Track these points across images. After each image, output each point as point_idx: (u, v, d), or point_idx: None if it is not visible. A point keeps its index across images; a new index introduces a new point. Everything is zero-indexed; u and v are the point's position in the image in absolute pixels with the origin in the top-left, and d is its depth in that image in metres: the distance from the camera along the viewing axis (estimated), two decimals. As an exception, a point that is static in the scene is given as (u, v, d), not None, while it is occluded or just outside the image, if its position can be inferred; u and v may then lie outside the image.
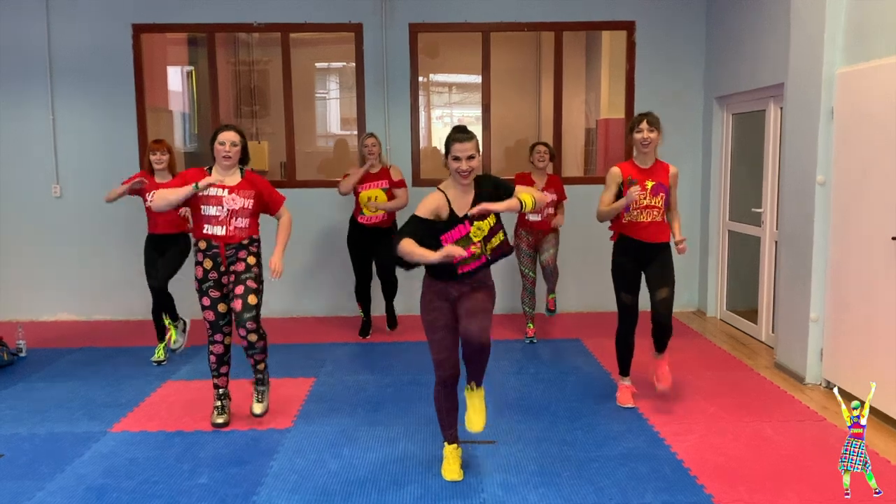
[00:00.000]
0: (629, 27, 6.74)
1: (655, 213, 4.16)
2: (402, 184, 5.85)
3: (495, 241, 3.39)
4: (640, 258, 4.24)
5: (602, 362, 5.27)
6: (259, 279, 4.06)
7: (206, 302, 4.04)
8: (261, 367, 4.22)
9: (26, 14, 6.51)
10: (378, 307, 6.28)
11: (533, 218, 5.67)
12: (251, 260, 4.05)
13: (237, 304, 3.98)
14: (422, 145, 7.08)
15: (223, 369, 4.21)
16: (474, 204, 3.33)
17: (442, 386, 3.43)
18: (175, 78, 8.15)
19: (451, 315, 3.39)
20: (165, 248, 5.33)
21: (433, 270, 3.37)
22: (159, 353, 5.38)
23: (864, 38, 4.37)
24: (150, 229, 5.38)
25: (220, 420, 4.16)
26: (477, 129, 6.97)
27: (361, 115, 6.77)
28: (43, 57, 6.55)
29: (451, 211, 3.31)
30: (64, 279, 6.76)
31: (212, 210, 3.96)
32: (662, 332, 4.28)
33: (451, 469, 3.49)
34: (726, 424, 4.10)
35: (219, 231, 3.97)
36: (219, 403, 4.22)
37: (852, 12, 4.46)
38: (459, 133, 3.30)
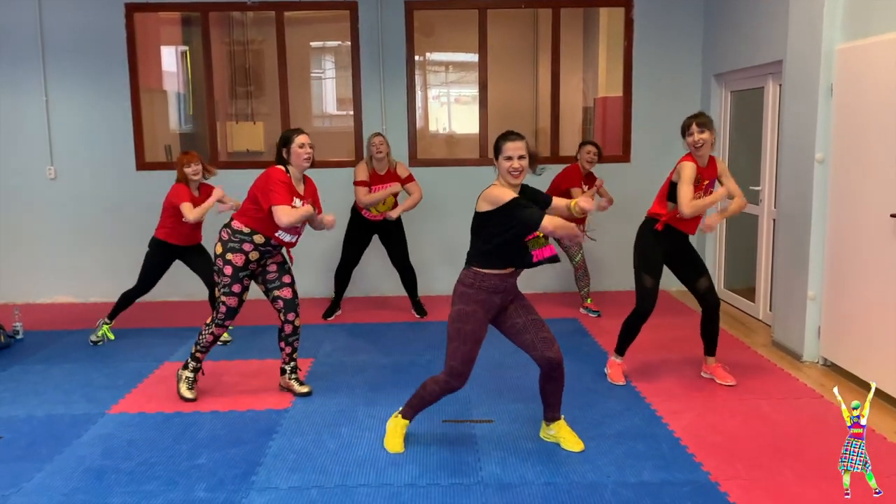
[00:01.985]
0: (627, 4, 6.68)
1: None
2: (411, 178, 5.84)
3: (543, 240, 3.36)
4: (670, 248, 4.30)
5: (599, 341, 5.28)
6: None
7: (237, 289, 4.11)
8: (295, 354, 4.35)
9: (17, -7, 6.43)
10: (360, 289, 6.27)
11: None
12: (286, 252, 4.25)
13: (287, 293, 4.20)
14: (418, 125, 7.05)
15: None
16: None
17: (444, 393, 3.47)
18: (169, 58, 8.07)
19: (485, 328, 3.43)
20: (189, 256, 5.26)
21: (502, 259, 3.34)
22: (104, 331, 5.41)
23: (863, 15, 4.33)
24: (173, 240, 5.16)
25: (190, 395, 4.22)
26: (474, 108, 6.93)
27: (357, 94, 6.72)
28: (35, 38, 6.48)
29: None
30: (60, 261, 6.74)
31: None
32: (714, 322, 4.36)
33: (398, 443, 3.56)
34: (724, 402, 4.11)
35: (289, 239, 4.13)
36: (191, 376, 4.27)
37: (852, -13, 4.41)
38: (511, 134, 3.36)
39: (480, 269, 3.36)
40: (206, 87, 6.79)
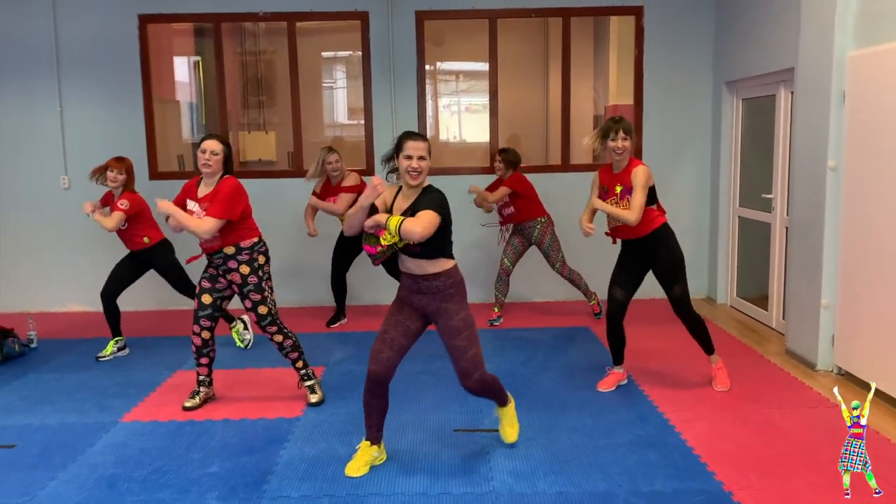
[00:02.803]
0: (637, 12, 6.68)
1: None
2: (351, 189, 5.85)
3: (386, 239, 3.22)
4: (640, 255, 4.28)
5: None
6: (260, 288, 4.12)
7: (197, 288, 4.20)
8: (299, 364, 4.34)
9: (33, 6, 6.50)
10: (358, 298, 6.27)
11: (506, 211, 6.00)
12: (244, 269, 4.09)
13: (252, 316, 4.20)
14: (429, 134, 7.06)
15: (202, 360, 4.28)
16: (409, 209, 3.28)
17: (367, 388, 3.42)
18: (182, 68, 8.14)
19: (410, 318, 3.43)
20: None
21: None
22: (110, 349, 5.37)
23: (875, 22, 4.31)
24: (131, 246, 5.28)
25: (188, 403, 4.24)
26: (484, 117, 6.94)
27: (368, 104, 6.75)
28: (50, 49, 6.55)
29: (390, 209, 3.36)
30: (74, 270, 6.78)
31: None
32: (694, 329, 4.35)
33: (355, 466, 3.45)
34: (736, 411, 4.08)
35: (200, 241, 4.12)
36: (196, 388, 4.30)
37: (864, -6, 4.40)
38: (412, 133, 3.37)
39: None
40: (218, 97, 6.84)
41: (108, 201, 5.23)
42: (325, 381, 4.71)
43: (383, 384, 3.41)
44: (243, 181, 6.41)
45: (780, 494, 3.16)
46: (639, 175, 4.08)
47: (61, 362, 5.23)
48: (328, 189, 5.94)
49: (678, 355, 5.05)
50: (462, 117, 9.34)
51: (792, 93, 5.33)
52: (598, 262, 6.15)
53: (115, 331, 5.33)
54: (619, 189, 4.17)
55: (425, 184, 3.37)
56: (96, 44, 6.57)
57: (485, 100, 6.95)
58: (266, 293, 4.14)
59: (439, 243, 3.31)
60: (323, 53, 8.89)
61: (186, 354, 5.30)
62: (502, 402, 3.66)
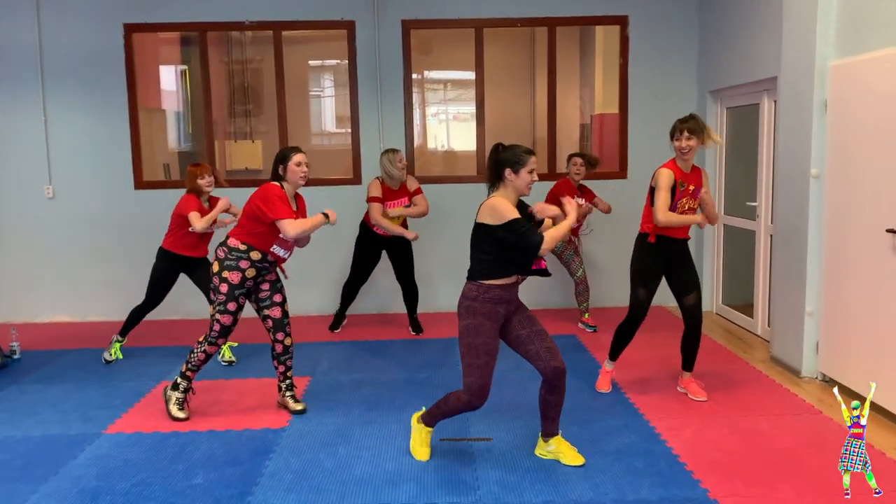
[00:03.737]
0: (622, 22, 6.73)
1: (691, 214, 4.31)
2: (419, 191, 5.88)
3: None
4: (668, 258, 4.31)
5: (597, 357, 5.26)
6: (216, 289, 4.12)
7: (233, 307, 4.09)
8: (290, 373, 4.35)
9: (17, 14, 6.47)
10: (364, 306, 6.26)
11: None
12: (215, 266, 4.13)
13: (277, 312, 4.21)
14: (416, 143, 7.07)
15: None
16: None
17: (466, 409, 3.48)
18: (168, 77, 8.12)
19: (496, 339, 3.46)
20: (193, 270, 5.25)
21: (503, 269, 3.38)
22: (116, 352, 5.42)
23: (856, 31, 4.36)
24: (179, 250, 5.13)
25: (182, 415, 4.21)
26: (472, 125, 6.96)
27: (355, 112, 6.75)
28: (34, 57, 6.52)
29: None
30: (58, 281, 6.73)
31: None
32: (695, 338, 4.38)
33: (425, 451, 3.64)
34: (722, 419, 4.10)
35: (284, 254, 4.15)
36: (182, 397, 4.25)
37: (844, 5, 4.44)
38: (530, 149, 3.42)
39: (484, 282, 3.37)
40: (204, 106, 6.82)
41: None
42: (312, 391, 4.69)
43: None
44: (230, 190, 6.45)
45: (765, 501, 3.17)
46: (708, 176, 4.36)
47: (45, 373, 5.18)
48: (391, 193, 5.79)
49: (664, 364, 5.06)
50: (449, 126, 9.37)
51: (775, 102, 5.38)
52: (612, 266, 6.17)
53: (126, 333, 5.42)
54: (692, 188, 4.23)
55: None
56: (81, 53, 6.54)
57: (472, 108, 6.97)
58: (218, 302, 4.07)
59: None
60: (310, 62, 8.90)
61: (171, 365, 5.26)
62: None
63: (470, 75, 6.94)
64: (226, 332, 4.13)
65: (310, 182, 6.73)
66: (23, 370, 5.26)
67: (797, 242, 4.82)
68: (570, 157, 6.02)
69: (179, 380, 4.23)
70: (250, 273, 4.08)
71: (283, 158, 4.09)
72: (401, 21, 6.63)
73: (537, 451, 3.67)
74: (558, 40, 6.77)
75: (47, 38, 6.52)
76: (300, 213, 4.19)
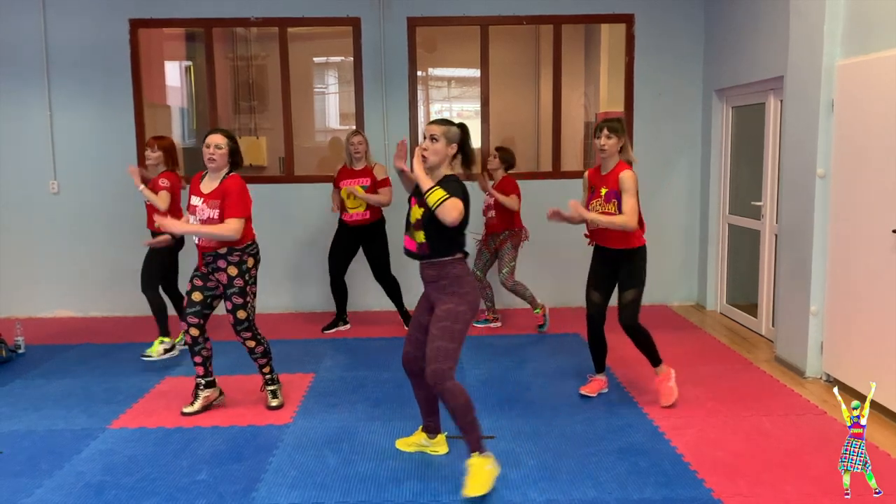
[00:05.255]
0: (628, 20, 6.72)
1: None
2: (386, 182, 5.84)
3: (420, 236, 3.33)
4: (611, 262, 4.27)
5: (602, 356, 5.26)
6: (243, 292, 4.10)
7: (189, 286, 4.16)
8: (266, 370, 4.32)
9: (23, 9, 6.47)
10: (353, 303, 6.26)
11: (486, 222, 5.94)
12: (232, 271, 4.06)
13: (230, 319, 4.14)
14: (420, 140, 7.04)
15: (195, 359, 4.24)
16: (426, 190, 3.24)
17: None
18: (173, 73, 8.12)
19: (424, 311, 3.46)
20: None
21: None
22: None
23: (863, 31, 4.34)
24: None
25: (187, 409, 4.22)
26: (476, 123, 6.95)
27: (359, 109, 6.74)
28: (40, 53, 6.52)
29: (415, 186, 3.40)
30: (62, 276, 6.74)
31: (192, 220, 4.06)
32: (636, 340, 4.29)
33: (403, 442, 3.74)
34: (726, 418, 4.09)
35: (196, 239, 4.08)
36: (195, 392, 4.27)
37: (852, 4, 4.43)
38: (435, 119, 3.43)
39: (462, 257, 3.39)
40: (209, 102, 6.82)
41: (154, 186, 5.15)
42: (315, 388, 4.69)
43: (410, 374, 3.56)
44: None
45: (769, 501, 3.17)
46: (626, 180, 4.07)
47: (49, 368, 5.19)
48: (349, 172, 5.85)
49: (668, 363, 5.05)
50: (454, 123, 9.34)
51: (781, 101, 5.37)
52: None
53: (163, 329, 5.38)
54: (604, 191, 4.15)
55: (446, 171, 3.37)
56: (87, 48, 6.54)
57: (476, 106, 6.96)
58: (248, 298, 4.11)
59: (445, 244, 3.33)
60: (314, 59, 8.89)
61: (175, 360, 5.28)
62: (460, 429, 3.32)
63: (475, 73, 6.94)
64: (184, 311, 4.13)
65: (313, 179, 6.84)
66: (27, 365, 5.27)
67: (802, 242, 4.81)
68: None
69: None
70: (198, 261, 4.15)
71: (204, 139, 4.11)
72: (406, 18, 6.62)
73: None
74: (564, 38, 6.76)
75: (53, 33, 6.52)
76: (210, 197, 4.01)
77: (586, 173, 4.36)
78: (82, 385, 4.81)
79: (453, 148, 3.36)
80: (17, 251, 6.72)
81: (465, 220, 3.23)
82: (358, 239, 5.94)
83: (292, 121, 6.80)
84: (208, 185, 4.06)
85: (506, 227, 5.88)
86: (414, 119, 6.77)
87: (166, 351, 5.36)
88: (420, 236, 3.32)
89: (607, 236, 4.20)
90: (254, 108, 8.59)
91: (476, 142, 6.98)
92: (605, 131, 4.13)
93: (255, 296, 4.18)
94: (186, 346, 4.25)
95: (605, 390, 4.51)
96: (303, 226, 6.75)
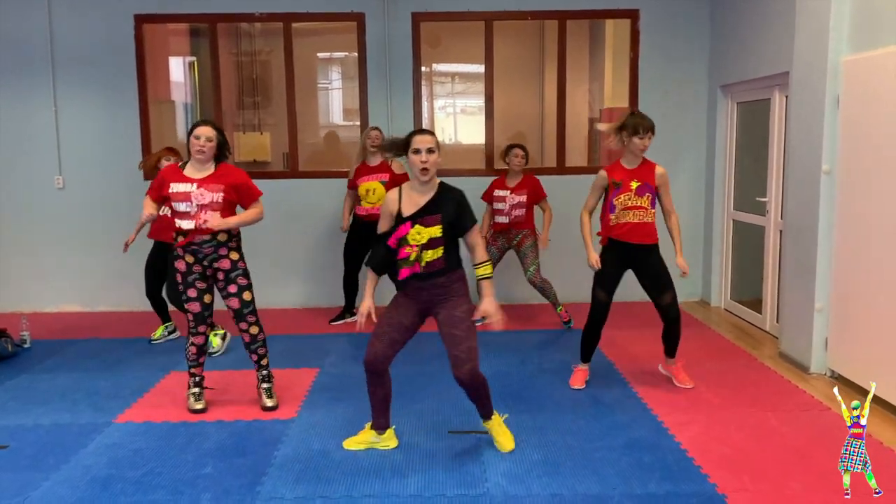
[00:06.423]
0: (633, 15, 6.70)
1: (642, 213, 4.21)
2: (405, 177, 5.84)
3: (431, 254, 3.37)
4: (627, 260, 4.31)
5: (605, 352, 5.26)
6: (247, 274, 4.13)
7: (193, 293, 4.09)
8: (264, 361, 4.29)
9: (28, 5, 6.48)
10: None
11: (500, 220, 5.85)
12: (234, 255, 4.08)
13: (234, 303, 4.11)
14: (420, 149, 7.03)
15: (202, 359, 4.26)
16: (428, 207, 3.35)
17: (368, 380, 3.57)
18: (177, 69, 8.12)
19: (410, 314, 3.50)
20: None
21: (392, 276, 3.48)
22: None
23: (869, 26, 4.33)
24: (162, 237, 5.30)
25: (199, 406, 4.20)
26: (480, 119, 6.95)
27: (364, 105, 6.74)
28: (45, 48, 6.53)
29: (399, 210, 3.39)
30: (68, 270, 6.76)
31: (182, 206, 3.98)
32: (675, 334, 4.41)
33: (352, 441, 3.72)
34: (730, 414, 4.09)
35: (187, 225, 3.97)
36: (196, 390, 4.26)
37: (858, 0, 4.42)
38: (420, 129, 3.48)
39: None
40: (213, 98, 6.83)
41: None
42: (320, 383, 4.70)
43: (374, 373, 3.54)
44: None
45: (773, 497, 3.17)
46: (665, 176, 4.24)
47: (55, 363, 5.21)
48: (366, 169, 5.88)
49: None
50: (458, 119, 9.35)
51: (787, 97, 5.35)
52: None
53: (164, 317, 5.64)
54: (635, 185, 4.19)
55: (437, 180, 3.42)
56: (92, 43, 6.55)
57: (481, 102, 6.96)
58: (250, 280, 4.14)
59: (456, 251, 3.48)
60: (319, 54, 8.88)
61: (181, 355, 5.28)
62: (486, 414, 3.64)
63: (479, 68, 6.93)
64: (199, 318, 4.11)
65: (317, 174, 6.85)
66: (33, 359, 5.29)
67: (807, 238, 4.81)
68: (509, 147, 5.88)
69: (188, 377, 4.28)
70: (189, 259, 4.05)
71: (189, 131, 4.04)
72: (410, 13, 6.62)
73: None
74: (568, 34, 6.74)
75: (58, 28, 6.53)
76: (206, 182, 3.98)
77: (603, 172, 4.31)
78: (88, 379, 4.82)
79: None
80: (22, 246, 6.74)
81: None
82: (369, 234, 5.93)
83: (296, 116, 6.81)
84: (197, 172, 4.00)
85: (527, 225, 5.89)
86: (418, 115, 6.77)
87: (170, 333, 5.67)
88: (430, 255, 3.37)
89: (638, 232, 4.23)
90: (258, 103, 8.59)
91: (480, 137, 6.98)
92: (651, 133, 4.18)
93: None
94: (193, 353, 4.21)
95: (587, 377, 4.61)
96: (305, 221, 6.76)
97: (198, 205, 3.95)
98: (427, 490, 3.28)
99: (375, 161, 5.86)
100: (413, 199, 3.40)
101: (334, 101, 9.37)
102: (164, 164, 5.15)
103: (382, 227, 3.47)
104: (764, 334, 5.80)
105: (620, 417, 4.07)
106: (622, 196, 4.20)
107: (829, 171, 4.62)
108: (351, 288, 6.15)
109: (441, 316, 3.45)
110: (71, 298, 6.83)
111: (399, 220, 3.39)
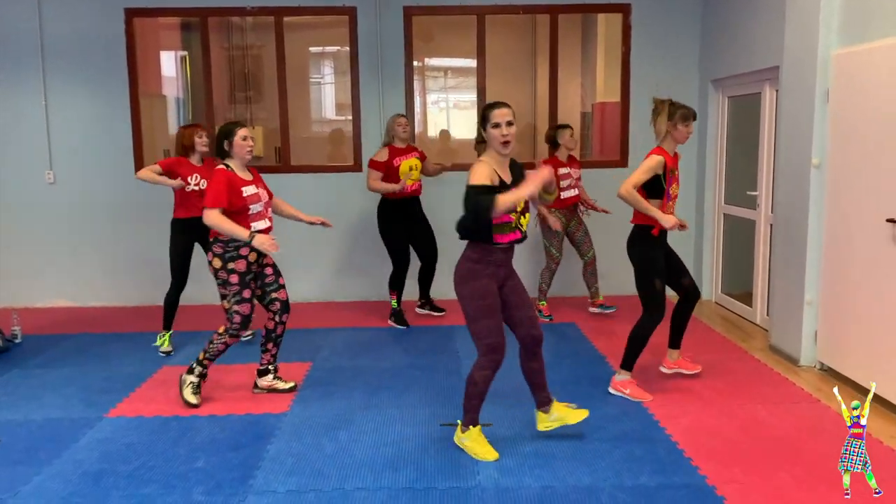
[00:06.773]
0: (625, 10, 6.71)
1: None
2: (425, 157, 6.02)
3: (525, 221, 3.47)
4: (664, 251, 4.34)
5: (597, 345, 5.28)
6: (226, 283, 4.15)
7: (248, 294, 4.14)
8: (276, 352, 4.43)
9: (17, -2, 6.45)
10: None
11: (569, 194, 5.93)
12: (216, 263, 4.15)
13: (283, 294, 4.30)
14: (417, 130, 7.05)
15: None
16: (517, 177, 3.43)
17: (493, 371, 3.50)
18: (168, 63, 8.09)
19: (499, 299, 3.49)
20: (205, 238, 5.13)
21: (480, 237, 3.39)
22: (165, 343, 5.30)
23: (859, 21, 4.35)
24: (182, 213, 5.09)
25: (194, 400, 4.20)
26: (472, 113, 6.95)
27: (356, 100, 6.73)
28: (35, 42, 6.49)
29: (501, 179, 3.38)
30: (59, 266, 6.74)
31: (258, 207, 4.12)
32: (689, 316, 4.49)
33: (488, 449, 3.53)
34: (721, 407, 4.12)
35: (263, 225, 4.15)
36: (196, 381, 4.25)
37: (848, -6, 4.44)
38: (497, 102, 3.44)
39: (488, 245, 3.40)
40: (205, 92, 6.80)
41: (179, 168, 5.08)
42: (312, 377, 4.71)
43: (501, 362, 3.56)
44: (230, 176, 6.42)
45: (763, 489, 3.19)
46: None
47: (46, 358, 5.20)
48: (398, 151, 5.81)
49: (662, 351, 5.07)
50: (450, 113, 9.35)
51: (777, 91, 5.38)
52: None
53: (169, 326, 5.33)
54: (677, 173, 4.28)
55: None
56: (82, 37, 6.51)
57: (472, 96, 6.96)
58: (232, 294, 4.10)
59: None
60: (310, 49, 8.87)
61: (174, 350, 5.28)
62: (546, 398, 3.74)
63: (471, 63, 6.93)
64: (246, 321, 4.14)
65: (310, 169, 6.83)
66: (24, 354, 5.28)
67: (797, 232, 4.83)
68: (562, 128, 5.98)
69: (195, 365, 4.25)
70: (252, 257, 4.12)
71: (227, 134, 4.10)
72: (402, 8, 6.61)
73: (541, 427, 3.70)
74: (560, 28, 6.75)
75: (48, 23, 6.49)
76: (256, 181, 4.20)
77: (660, 157, 4.19)
78: (80, 374, 4.82)
79: None
80: (13, 241, 6.71)
81: None
82: (409, 215, 5.92)
83: (288, 111, 6.79)
84: (245, 172, 4.17)
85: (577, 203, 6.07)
86: (410, 109, 6.76)
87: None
88: (525, 221, 3.45)
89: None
90: (249, 98, 8.57)
91: (472, 132, 6.96)
92: (694, 119, 4.26)
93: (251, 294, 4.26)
94: (222, 350, 4.22)
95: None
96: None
97: (263, 203, 4.13)
98: (419, 482, 3.29)
99: (402, 144, 5.87)
100: (502, 169, 3.42)
101: (326, 95, 9.35)
102: (197, 140, 5.07)
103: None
104: (754, 327, 5.83)
105: (611, 410, 4.09)
106: (674, 185, 4.24)
107: (819, 164, 4.64)
108: (396, 284, 5.92)
109: (509, 286, 3.51)
110: (62, 294, 6.80)
111: (504, 188, 3.36)
